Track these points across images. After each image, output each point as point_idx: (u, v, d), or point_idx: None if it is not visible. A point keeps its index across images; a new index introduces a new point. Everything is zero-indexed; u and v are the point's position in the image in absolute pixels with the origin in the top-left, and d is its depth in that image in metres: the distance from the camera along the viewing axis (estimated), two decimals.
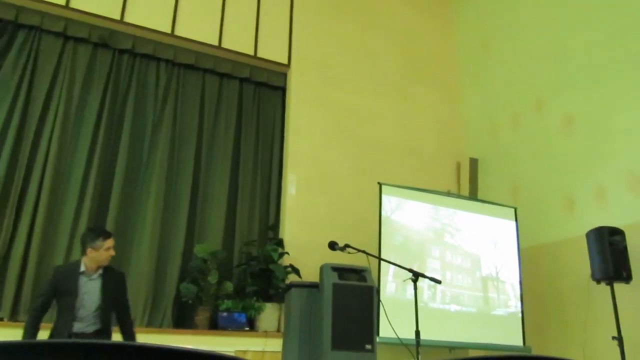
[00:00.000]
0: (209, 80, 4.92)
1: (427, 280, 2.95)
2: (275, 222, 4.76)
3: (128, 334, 3.08)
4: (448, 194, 4.57)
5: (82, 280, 2.96)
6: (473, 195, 5.27)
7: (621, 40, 4.10)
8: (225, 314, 4.01)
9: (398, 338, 3.10)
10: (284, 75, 5.19)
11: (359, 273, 2.88)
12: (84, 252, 3.00)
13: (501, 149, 5.21)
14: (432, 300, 4.05)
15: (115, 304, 3.05)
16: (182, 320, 4.17)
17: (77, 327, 2.92)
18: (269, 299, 4.23)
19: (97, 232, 3.08)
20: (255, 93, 5.12)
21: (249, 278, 4.31)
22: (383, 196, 4.18)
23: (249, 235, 4.63)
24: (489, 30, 5.66)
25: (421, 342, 2.82)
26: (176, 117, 4.63)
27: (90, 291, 2.96)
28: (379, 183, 4.25)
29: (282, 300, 4.14)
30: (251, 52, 4.97)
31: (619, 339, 3.35)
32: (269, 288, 4.23)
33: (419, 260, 4.11)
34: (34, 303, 3.08)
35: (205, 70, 4.89)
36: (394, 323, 3.27)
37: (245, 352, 3.88)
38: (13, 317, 3.63)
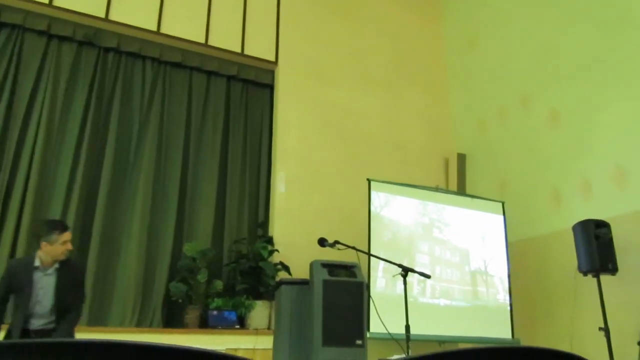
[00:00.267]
0: (196, 78, 4.89)
1: (416, 275, 2.96)
2: (264, 220, 4.76)
3: (62, 323, 2.88)
4: (436, 189, 4.60)
5: (37, 275, 2.84)
6: (461, 191, 5.30)
7: (605, 36, 4.15)
8: (215, 312, 4.01)
9: (388, 333, 3.12)
10: (272, 73, 5.18)
11: (348, 269, 2.88)
12: (38, 246, 2.87)
13: (488, 144, 5.25)
14: (421, 295, 4.08)
15: (74, 298, 2.94)
16: (172, 320, 4.15)
17: (36, 324, 2.82)
18: (259, 296, 4.22)
19: (52, 225, 2.95)
20: (243, 91, 5.10)
21: (239, 276, 4.30)
22: (372, 192, 4.19)
23: (239, 233, 4.62)
24: (475, 28, 5.70)
25: (411, 337, 2.83)
26: (163, 115, 4.60)
27: (46, 287, 2.85)
28: (368, 179, 4.26)
29: (272, 298, 4.14)
30: (238, 50, 4.95)
31: (606, 329, 3.40)
32: (259, 286, 4.23)
33: (408, 255, 4.13)
34: None
35: (192, 69, 4.86)
36: (384, 318, 3.29)
37: (236, 350, 3.88)
38: None
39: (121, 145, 4.37)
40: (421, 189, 4.48)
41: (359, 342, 2.66)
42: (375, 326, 3.61)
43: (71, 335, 2.90)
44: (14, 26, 4.19)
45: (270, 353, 3.27)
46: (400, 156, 5.35)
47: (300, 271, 4.14)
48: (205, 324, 4.00)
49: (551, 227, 4.39)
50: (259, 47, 5.06)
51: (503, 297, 4.37)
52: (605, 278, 3.60)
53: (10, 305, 2.91)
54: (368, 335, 3.35)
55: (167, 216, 4.35)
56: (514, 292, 4.44)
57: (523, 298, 4.50)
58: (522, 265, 4.58)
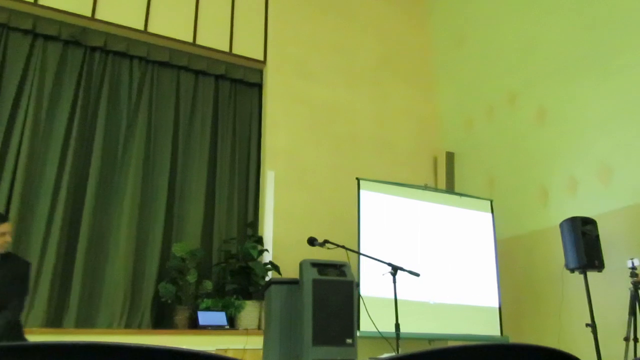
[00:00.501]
0: (184, 77, 4.86)
1: (406, 273, 2.97)
2: (254, 220, 4.74)
3: None
4: (425, 187, 4.62)
5: None
6: (450, 189, 5.33)
7: (592, 33, 4.19)
8: (205, 313, 3.99)
9: (378, 331, 3.13)
10: (260, 72, 5.16)
11: (338, 268, 2.89)
12: None
13: (476, 143, 5.28)
14: (411, 294, 4.09)
15: (13, 293, 2.86)
16: (162, 321, 4.13)
17: None
18: (249, 296, 4.22)
19: None
20: (232, 90, 5.08)
21: (229, 276, 4.29)
22: (361, 191, 4.19)
23: (228, 233, 4.61)
24: (463, 25, 5.73)
25: (401, 335, 2.85)
26: (151, 115, 4.57)
27: None
28: (357, 178, 4.27)
29: (262, 298, 4.13)
30: (226, 49, 4.93)
31: (592, 325, 3.44)
32: (249, 286, 4.22)
33: (397, 254, 4.14)
34: None
35: (180, 68, 4.83)
36: (374, 317, 3.30)
37: (226, 350, 3.87)
38: None
39: (109, 146, 4.34)
40: (410, 187, 4.49)
41: (349, 341, 2.66)
42: (365, 325, 3.62)
43: (6, 331, 2.79)
44: None
45: (261, 353, 3.26)
46: (389, 155, 5.36)
47: (290, 271, 4.14)
48: (195, 324, 3.98)
49: (539, 225, 4.43)
50: (247, 46, 5.04)
51: (492, 295, 4.40)
52: (591, 275, 3.64)
53: None
54: (358, 334, 3.35)
55: (155, 216, 4.32)
56: (502, 290, 4.47)
57: (511, 295, 4.54)
58: (510, 262, 4.62)
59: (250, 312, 4.15)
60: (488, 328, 4.27)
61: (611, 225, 3.78)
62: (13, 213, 3.77)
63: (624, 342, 3.21)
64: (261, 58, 5.08)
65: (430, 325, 4.09)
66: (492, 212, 4.67)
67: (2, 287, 2.81)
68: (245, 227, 4.71)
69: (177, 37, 4.71)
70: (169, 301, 4.01)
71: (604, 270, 3.60)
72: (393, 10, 6.04)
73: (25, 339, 2.98)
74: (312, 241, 3.19)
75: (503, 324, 4.35)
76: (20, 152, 3.93)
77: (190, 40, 4.77)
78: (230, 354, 3.85)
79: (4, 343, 0.67)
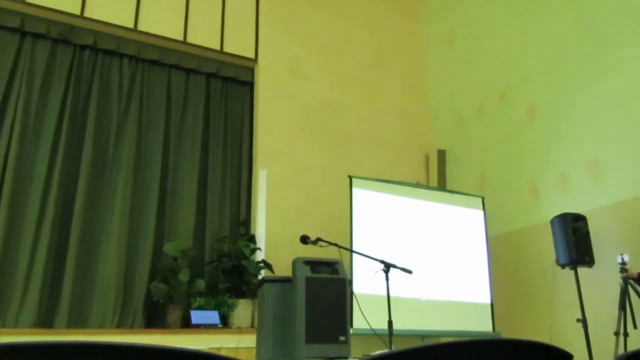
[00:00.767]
0: (175, 76, 4.84)
1: (398, 270, 2.98)
2: (246, 218, 4.74)
3: None
4: (417, 185, 4.63)
5: None
6: (441, 186, 5.35)
7: (582, 31, 4.22)
8: (197, 312, 3.98)
9: (371, 329, 3.14)
10: (252, 70, 5.15)
11: (331, 266, 2.89)
12: None
13: (467, 140, 5.31)
14: (403, 291, 4.11)
15: None
16: (154, 320, 4.11)
17: None
18: (241, 295, 4.21)
19: None
20: (223, 88, 5.07)
21: (221, 275, 4.28)
22: (353, 189, 4.20)
23: (220, 231, 4.60)
24: (454, 23, 5.75)
25: (394, 332, 2.86)
26: (142, 114, 4.54)
27: None
28: (349, 176, 4.27)
29: (255, 296, 4.13)
30: (217, 47, 4.91)
31: (583, 321, 3.47)
32: (242, 284, 4.21)
33: (390, 251, 4.16)
34: None
35: (171, 66, 4.81)
36: (366, 314, 3.31)
37: (219, 349, 3.86)
38: None
39: (99, 145, 4.31)
40: (402, 185, 4.51)
41: (342, 338, 2.66)
42: (358, 322, 3.63)
43: None
44: None
45: (254, 351, 3.27)
46: (381, 152, 5.37)
47: (282, 269, 4.14)
48: (187, 323, 3.97)
49: (529, 221, 4.46)
50: (239, 45, 5.03)
51: (483, 291, 4.43)
52: (582, 270, 3.67)
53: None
54: (351, 331, 3.36)
55: (147, 215, 4.30)
56: (494, 286, 4.50)
57: (503, 292, 4.57)
58: (501, 259, 4.65)
59: (243, 310, 4.15)
60: (480, 324, 4.30)
61: (601, 221, 3.81)
62: (2, 213, 3.74)
63: (614, 337, 3.24)
64: (252, 56, 5.07)
65: (422, 322, 4.11)
66: (484, 209, 4.69)
67: None
68: (237, 226, 4.70)
69: (168, 36, 4.68)
70: (161, 300, 4.00)
71: (595, 266, 3.63)
72: (385, 8, 6.04)
73: None
74: (304, 239, 3.19)
75: (495, 320, 4.38)
76: (10, 151, 3.89)
77: (181, 38, 4.74)
78: (223, 353, 3.84)
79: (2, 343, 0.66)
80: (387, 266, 2.96)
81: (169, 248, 4.08)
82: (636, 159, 3.68)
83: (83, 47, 4.45)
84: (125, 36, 4.57)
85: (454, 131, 5.50)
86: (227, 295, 4.14)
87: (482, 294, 4.41)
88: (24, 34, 4.23)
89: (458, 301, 4.31)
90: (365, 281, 3.94)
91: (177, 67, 4.82)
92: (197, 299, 4.06)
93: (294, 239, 3.36)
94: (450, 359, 0.89)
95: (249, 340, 3.91)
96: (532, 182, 4.50)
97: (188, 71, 4.89)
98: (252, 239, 4.46)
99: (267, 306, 2.80)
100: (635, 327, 3.24)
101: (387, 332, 2.83)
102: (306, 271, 2.77)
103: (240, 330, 4.02)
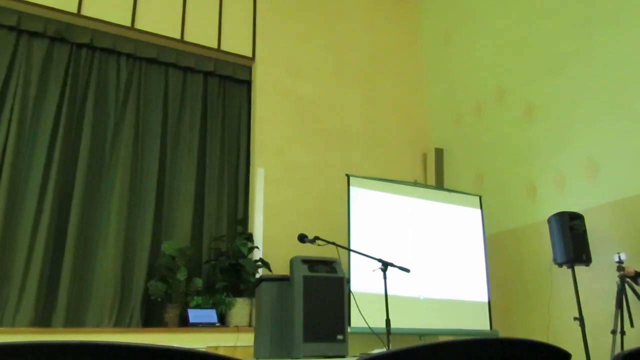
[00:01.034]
0: (172, 74, 4.83)
1: (396, 269, 2.98)
2: (244, 217, 4.73)
3: None
4: (415, 184, 4.64)
5: None
6: (439, 185, 5.36)
7: (579, 31, 4.23)
8: (195, 310, 3.97)
9: (369, 327, 3.14)
10: (249, 69, 5.14)
11: (329, 264, 2.89)
12: None
13: (465, 139, 5.31)
14: (401, 289, 4.11)
15: None
16: (152, 319, 4.11)
17: None
18: (239, 294, 4.21)
19: None
20: (220, 87, 5.06)
21: (219, 274, 4.28)
22: (351, 187, 4.20)
23: (218, 230, 4.59)
24: (451, 22, 5.75)
25: (392, 331, 2.86)
26: (139, 112, 4.53)
27: None
28: (347, 175, 4.28)
29: (252, 295, 4.13)
30: (215, 46, 4.90)
31: (580, 319, 3.48)
32: (239, 283, 4.21)
33: (387, 250, 4.16)
34: None
35: (168, 65, 4.80)
36: (364, 312, 3.31)
37: (216, 347, 3.86)
38: None
39: (96, 143, 4.30)
40: (400, 183, 4.51)
41: (340, 337, 2.66)
42: (356, 321, 3.63)
43: None
44: None
45: (252, 350, 3.26)
46: (378, 151, 5.38)
47: (280, 267, 4.14)
48: (185, 322, 3.97)
49: (527, 220, 4.47)
50: (236, 43, 5.02)
51: (481, 290, 4.44)
52: (579, 269, 3.68)
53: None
54: (349, 330, 3.36)
55: (144, 214, 4.29)
56: (491, 285, 4.51)
57: (500, 290, 4.58)
58: (499, 257, 4.66)
59: (240, 309, 4.15)
60: (477, 322, 4.31)
61: (598, 220, 3.82)
62: None
63: (611, 335, 3.25)
64: (250, 55, 5.06)
65: (420, 321, 4.11)
66: (481, 207, 4.70)
67: None
68: (235, 225, 4.69)
69: (165, 34, 4.67)
70: (159, 299, 3.99)
71: (592, 265, 3.64)
72: (382, 6, 6.04)
73: None
74: (302, 238, 3.19)
75: (492, 319, 4.38)
76: (6, 150, 3.88)
77: (178, 36, 4.73)
78: (221, 351, 3.84)
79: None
80: (385, 265, 2.96)
81: (167, 247, 4.08)
82: (633, 158, 3.69)
83: (80, 46, 4.43)
84: (122, 34, 4.56)
85: (452, 130, 5.51)
86: (225, 294, 4.13)
87: (479, 293, 4.42)
88: (20, 32, 4.21)
89: (456, 300, 4.32)
90: (363, 280, 3.94)
91: (174, 66, 4.81)
92: (195, 297, 4.05)
93: (292, 237, 3.36)
94: (448, 358, 0.89)
95: (247, 339, 3.91)
96: (529, 181, 4.51)
97: (185, 69, 4.88)
98: (249, 237, 4.45)
99: (265, 305, 2.79)
100: (632, 325, 3.25)
101: (385, 331, 2.83)
102: (304, 270, 2.77)
103: (238, 329, 4.02)
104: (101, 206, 4.18)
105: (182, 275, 4.01)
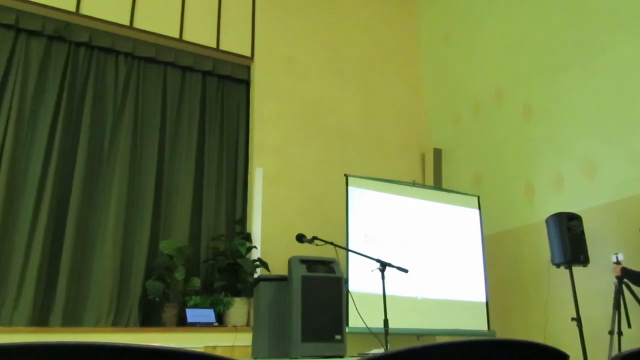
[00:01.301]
0: (171, 73, 4.82)
1: (394, 269, 2.98)
2: (242, 216, 4.73)
3: None
4: (413, 184, 4.64)
5: None
6: (437, 185, 5.36)
7: (578, 31, 4.23)
8: (193, 310, 3.97)
9: (367, 327, 3.14)
10: (248, 68, 5.14)
11: (327, 264, 2.89)
12: None
13: (463, 139, 5.32)
14: (399, 289, 4.12)
15: None
16: (149, 318, 4.10)
17: None
18: (237, 293, 4.20)
19: None
20: (219, 86, 5.05)
21: (217, 273, 4.27)
22: (350, 187, 4.20)
23: (216, 230, 4.59)
24: (450, 22, 5.75)
25: (390, 331, 2.86)
26: (137, 111, 4.52)
27: None
28: (345, 175, 4.28)
29: (250, 295, 4.13)
30: (214, 45, 4.89)
31: (578, 319, 3.49)
32: (237, 283, 4.21)
33: (386, 250, 4.16)
34: None
35: (167, 64, 4.79)
36: (362, 313, 3.31)
37: (214, 347, 3.86)
38: None
39: (94, 142, 4.29)
40: (398, 184, 4.51)
41: (338, 337, 2.66)
42: (354, 321, 3.63)
43: None
44: None
45: (250, 350, 3.26)
46: (377, 151, 5.38)
47: (278, 267, 4.14)
48: (183, 322, 3.96)
49: (525, 220, 4.48)
50: (235, 43, 5.01)
51: (479, 290, 4.44)
52: (577, 270, 3.69)
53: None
54: (347, 330, 3.36)
55: (142, 213, 4.29)
56: (489, 285, 4.52)
57: (498, 290, 4.58)
58: (497, 258, 4.67)
59: (238, 309, 4.15)
60: (475, 323, 4.31)
61: (596, 221, 3.83)
62: None
63: (609, 336, 3.25)
64: (249, 54, 5.05)
65: (418, 321, 4.11)
66: (479, 208, 4.71)
67: None
68: (233, 224, 4.69)
69: (164, 33, 4.66)
70: (157, 299, 3.99)
71: (589, 265, 3.64)
72: (381, 6, 6.04)
73: None
74: (300, 238, 3.19)
75: (490, 319, 4.39)
76: (4, 149, 3.87)
77: (177, 36, 4.72)
78: (219, 351, 3.84)
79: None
80: (383, 265, 2.96)
81: (165, 246, 4.07)
82: (631, 159, 3.69)
83: (78, 44, 4.42)
84: (120, 33, 4.55)
85: (450, 130, 5.51)
86: (223, 294, 4.13)
87: (477, 293, 4.42)
88: (18, 31, 4.20)
89: (453, 300, 4.32)
90: (361, 280, 3.94)
91: (173, 65, 4.81)
92: (193, 297, 4.05)
93: (290, 237, 3.36)
94: (447, 359, 0.89)
95: (245, 339, 3.91)
96: (527, 181, 4.52)
97: (184, 69, 4.88)
98: (247, 237, 4.45)
99: (263, 305, 2.79)
100: (629, 326, 3.25)
101: (383, 331, 2.83)
102: (302, 270, 2.77)
103: (236, 329, 4.01)
104: (99, 205, 4.17)
105: (180, 274, 4.01)
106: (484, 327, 4.33)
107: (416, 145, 5.66)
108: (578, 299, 3.55)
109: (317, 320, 2.65)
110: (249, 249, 4.34)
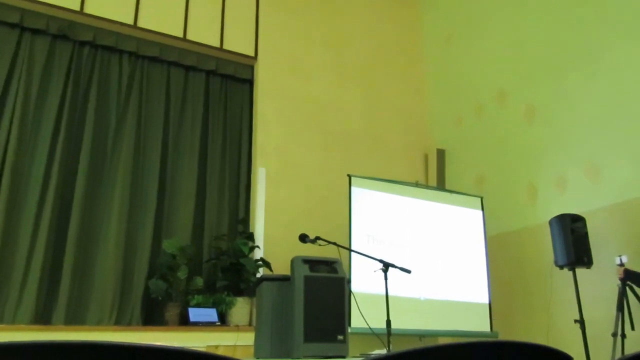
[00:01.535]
0: (174, 73, 4.82)
1: (397, 270, 2.98)
2: (245, 216, 4.73)
3: None
4: (416, 184, 4.63)
5: None
6: (440, 186, 5.35)
7: (582, 32, 4.22)
8: (195, 309, 3.98)
9: (369, 328, 3.14)
10: (251, 68, 5.14)
11: (330, 265, 2.88)
12: None
13: (466, 140, 5.31)
14: (401, 290, 4.11)
15: None
16: (152, 317, 4.11)
17: None
18: (240, 293, 4.21)
19: None
20: (222, 86, 5.06)
21: (219, 273, 4.28)
22: (352, 188, 4.20)
23: (219, 229, 4.59)
24: (453, 23, 5.74)
25: (392, 331, 2.86)
26: (141, 111, 4.53)
27: None
28: (348, 175, 4.27)
29: (253, 294, 4.13)
30: (217, 44, 4.89)
31: (581, 321, 3.48)
32: (240, 282, 4.21)
33: (389, 250, 4.16)
34: None
35: (170, 63, 4.79)
36: (365, 313, 3.31)
37: (217, 347, 3.86)
38: None
39: (98, 141, 4.30)
40: (401, 184, 4.51)
41: (340, 337, 2.66)
42: (357, 321, 3.63)
43: None
44: None
45: (252, 349, 3.26)
46: (380, 151, 5.37)
47: (281, 267, 4.14)
48: (185, 321, 3.97)
49: (528, 222, 4.47)
50: (238, 42, 5.02)
51: (481, 291, 4.43)
52: (580, 271, 3.68)
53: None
54: (349, 330, 3.36)
55: (145, 212, 4.30)
56: (492, 286, 4.51)
57: (501, 292, 4.57)
58: (500, 259, 4.65)
59: (241, 308, 4.15)
60: (478, 324, 4.31)
61: (600, 222, 3.81)
62: (0, 209, 3.73)
63: (612, 338, 3.24)
64: (252, 54, 5.06)
65: (420, 322, 4.11)
66: (482, 209, 4.69)
67: None
68: (236, 224, 4.69)
69: (167, 32, 4.67)
70: (160, 298, 3.99)
71: (593, 267, 3.63)
72: (384, 7, 6.04)
73: None
74: (303, 238, 3.19)
75: (493, 320, 4.38)
76: (8, 147, 3.88)
77: (181, 35, 4.73)
78: (221, 351, 3.84)
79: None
80: (386, 265, 2.96)
81: (168, 245, 4.08)
82: (635, 160, 3.68)
83: (82, 43, 4.43)
84: (124, 32, 4.56)
85: (453, 131, 5.50)
86: (225, 293, 4.13)
87: (480, 294, 4.41)
88: (23, 30, 4.21)
89: (456, 301, 4.31)
90: (363, 280, 3.94)
91: (176, 64, 4.81)
92: (195, 296, 4.05)
93: (293, 237, 3.36)
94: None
95: (247, 338, 3.91)
96: (530, 183, 4.50)
97: (187, 68, 4.88)
98: (250, 237, 4.45)
99: (266, 304, 2.79)
100: (632, 328, 3.24)
101: (386, 332, 2.83)
102: (305, 270, 2.77)
103: (238, 328, 4.02)
104: (102, 204, 4.18)
105: (182, 273, 4.01)
106: (487, 329, 4.32)
107: (419, 146, 5.65)
108: (581, 301, 3.54)
109: (319, 321, 2.65)
110: (252, 249, 4.34)
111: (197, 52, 4.86)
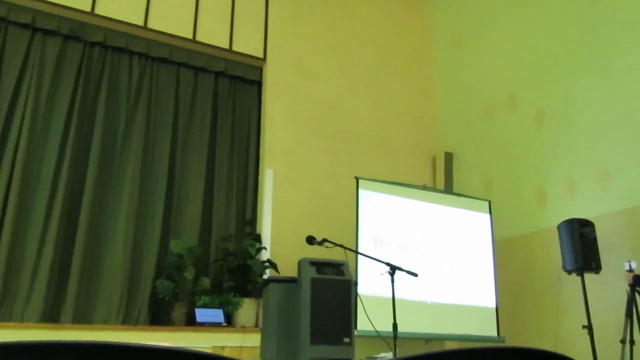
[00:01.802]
0: (184, 74, 4.85)
1: (404, 273, 2.97)
2: (252, 217, 4.74)
3: None
4: (424, 187, 4.62)
5: None
6: (448, 189, 5.34)
7: (592, 35, 4.19)
8: (202, 310, 3.99)
9: (376, 331, 3.13)
10: (260, 70, 5.15)
11: (336, 267, 2.88)
12: None
13: (475, 143, 5.29)
14: (408, 293, 4.10)
15: None
16: (159, 317, 4.12)
17: None
18: (246, 294, 4.21)
19: None
20: (231, 87, 5.07)
21: (226, 273, 4.29)
22: (360, 190, 4.19)
23: (226, 230, 4.60)
24: (462, 25, 5.72)
25: (398, 335, 2.85)
26: (150, 111, 4.56)
27: None
28: (356, 177, 4.27)
29: (259, 296, 4.14)
30: (226, 46, 4.91)
31: (589, 327, 3.44)
32: (247, 283, 4.22)
33: (396, 253, 4.15)
34: None
35: (180, 64, 4.82)
36: (371, 316, 3.30)
37: (223, 347, 3.87)
38: None
39: (107, 142, 4.32)
40: (409, 187, 4.49)
41: (346, 340, 2.66)
42: (363, 324, 3.62)
43: None
44: None
45: (258, 351, 3.27)
46: (388, 154, 5.36)
47: (288, 269, 4.15)
48: (192, 321, 3.98)
49: (536, 226, 4.44)
50: (247, 44, 5.03)
51: (489, 295, 4.41)
52: (588, 276, 3.65)
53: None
54: (356, 333, 3.36)
55: (153, 213, 4.32)
56: (499, 290, 4.48)
57: (508, 296, 4.54)
58: (507, 263, 4.63)
59: (247, 309, 4.16)
60: (485, 328, 4.28)
61: (609, 228, 3.78)
62: (10, 208, 3.76)
63: (620, 345, 3.21)
64: (261, 55, 5.07)
65: (427, 325, 4.09)
66: (490, 212, 4.67)
67: None
68: (243, 225, 4.70)
69: (177, 34, 4.70)
70: (166, 298, 4.01)
71: (601, 273, 3.60)
72: (393, 9, 6.03)
73: None
74: (310, 240, 3.19)
75: (500, 325, 4.35)
76: (18, 147, 3.92)
77: (190, 36, 4.76)
78: (227, 352, 3.85)
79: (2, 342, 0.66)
80: (393, 268, 2.96)
81: (175, 245, 4.10)
82: None
83: (93, 44, 4.47)
84: (134, 34, 4.59)
85: (462, 134, 5.48)
86: (232, 294, 4.14)
87: (487, 298, 4.39)
88: (34, 30, 4.25)
89: (463, 305, 4.30)
90: (370, 283, 3.93)
91: (185, 65, 4.84)
92: (202, 297, 4.06)
93: (300, 239, 3.37)
94: None
95: (253, 340, 3.92)
96: (539, 187, 4.48)
97: (196, 69, 4.90)
98: (257, 238, 4.46)
99: (272, 306, 2.80)
100: None
101: (392, 335, 2.82)
102: (312, 272, 2.77)
103: (244, 329, 4.02)
104: (111, 204, 4.20)
105: (189, 274, 4.03)
106: (494, 333, 4.30)
107: (427, 149, 5.64)
108: (590, 307, 3.51)
109: (325, 323, 2.65)
110: (259, 250, 4.35)
111: (206, 53, 4.89)
